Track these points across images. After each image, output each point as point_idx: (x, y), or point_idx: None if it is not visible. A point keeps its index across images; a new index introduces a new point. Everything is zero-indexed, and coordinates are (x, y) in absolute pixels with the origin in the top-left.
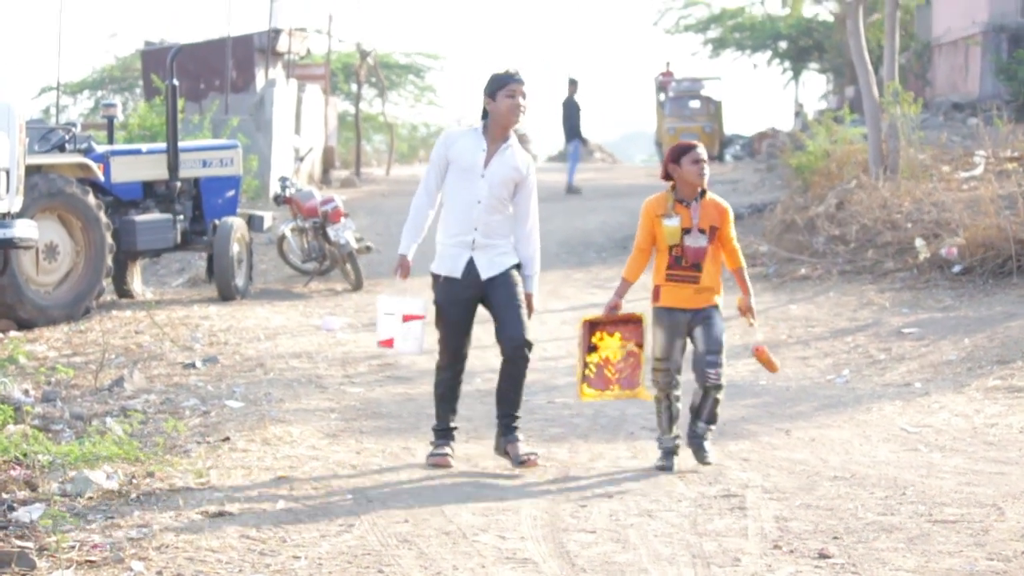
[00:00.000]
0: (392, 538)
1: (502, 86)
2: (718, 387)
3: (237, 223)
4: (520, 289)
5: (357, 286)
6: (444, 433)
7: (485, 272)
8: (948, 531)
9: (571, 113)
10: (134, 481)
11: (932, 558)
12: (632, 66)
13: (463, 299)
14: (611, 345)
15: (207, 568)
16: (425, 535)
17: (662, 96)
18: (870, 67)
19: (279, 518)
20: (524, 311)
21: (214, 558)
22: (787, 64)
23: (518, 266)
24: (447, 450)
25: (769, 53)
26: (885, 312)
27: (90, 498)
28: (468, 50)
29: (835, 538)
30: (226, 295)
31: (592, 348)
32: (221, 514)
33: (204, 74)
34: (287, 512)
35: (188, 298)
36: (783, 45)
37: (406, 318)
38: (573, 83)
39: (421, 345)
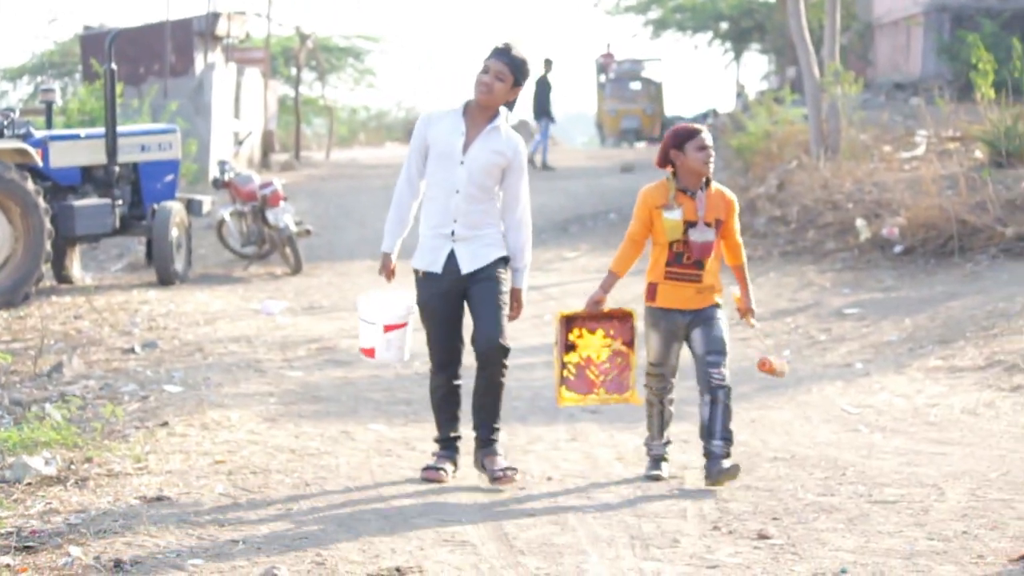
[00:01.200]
0: (331, 522)
1: (486, 59)
2: (724, 388)
3: (176, 207)
4: (502, 285)
5: (296, 270)
6: (446, 444)
7: (466, 266)
8: (888, 511)
9: (542, 92)
10: (72, 467)
11: (872, 538)
12: (573, 48)
13: (446, 295)
14: (592, 343)
15: (145, 553)
16: (364, 518)
17: (603, 78)
18: (811, 47)
19: (217, 503)
20: (503, 310)
21: (152, 543)
22: (728, 45)
23: (506, 258)
24: (445, 465)
25: (710, 34)
26: (826, 293)
27: (28, 484)
28: (408, 32)
29: (775, 519)
30: (165, 280)
31: (570, 347)
32: (159, 499)
33: (143, 58)
34: (226, 497)
35: (127, 283)
36: (724, 26)
37: (387, 328)
38: (548, 63)
39: (404, 353)
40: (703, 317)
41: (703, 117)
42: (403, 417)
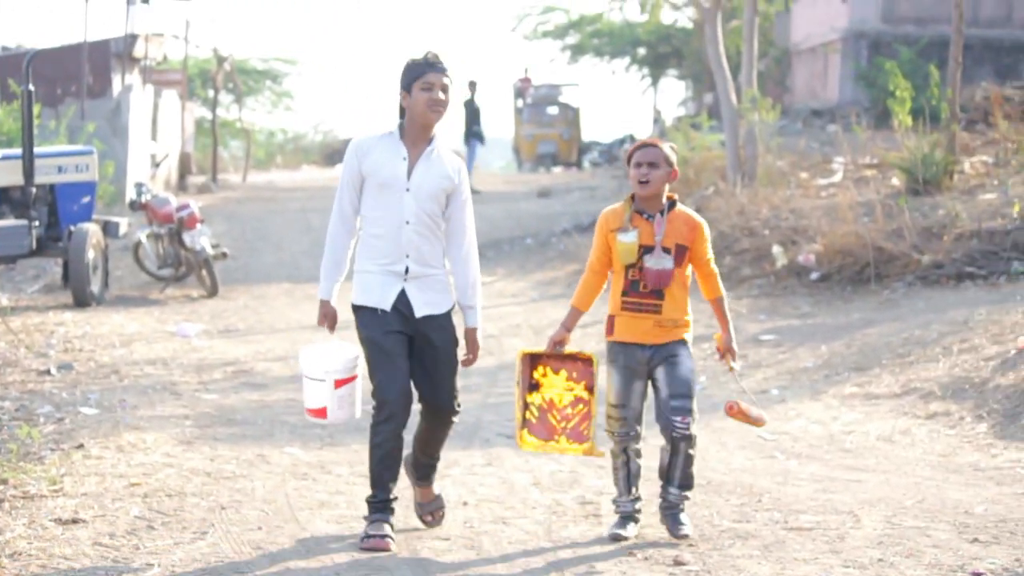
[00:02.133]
0: (246, 545)
1: (417, 76)
2: (687, 438)
3: (93, 229)
4: (455, 341)
5: (212, 292)
6: (382, 507)
7: (421, 309)
8: (804, 538)
9: (470, 114)
10: None
11: (788, 565)
12: (490, 72)
13: (397, 333)
14: (556, 384)
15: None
16: (279, 542)
17: (520, 102)
18: (728, 73)
19: (133, 525)
20: (457, 370)
21: (67, 565)
22: (645, 71)
23: (452, 308)
24: (387, 529)
25: (627, 59)
26: (742, 319)
27: None
28: (325, 54)
29: (690, 545)
30: (81, 301)
31: (533, 386)
32: (75, 521)
33: (61, 79)
34: (141, 519)
35: (43, 304)
36: (642, 51)
37: (339, 384)
38: (472, 84)
39: (356, 410)
40: (665, 354)
41: (620, 143)
42: (319, 441)
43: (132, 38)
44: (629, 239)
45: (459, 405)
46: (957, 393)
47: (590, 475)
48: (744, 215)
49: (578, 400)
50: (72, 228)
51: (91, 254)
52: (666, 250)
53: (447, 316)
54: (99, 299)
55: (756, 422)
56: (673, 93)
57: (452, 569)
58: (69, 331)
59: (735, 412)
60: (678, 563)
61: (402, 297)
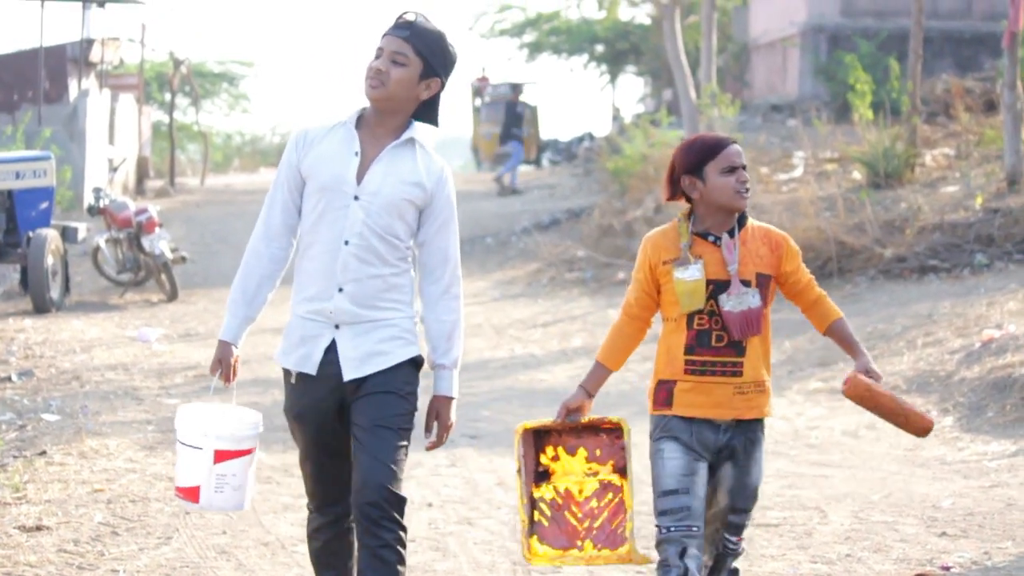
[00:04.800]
0: (210, 550)
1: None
2: (737, 555)
3: (51, 235)
4: (403, 404)
5: (172, 296)
6: None
7: (351, 368)
8: (771, 534)
9: (512, 117)
10: None
11: (755, 561)
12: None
13: (324, 405)
14: (573, 469)
15: None
16: (243, 546)
17: (478, 101)
18: (687, 69)
19: (97, 532)
20: (400, 444)
21: (32, 572)
22: (604, 68)
23: (416, 361)
24: None
25: (586, 57)
26: None
27: None
28: (281, 55)
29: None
30: (41, 307)
31: (542, 474)
32: (39, 528)
33: (16, 85)
34: (105, 525)
35: (2, 311)
36: (600, 48)
37: (220, 456)
38: (517, 87)
39: (244, 498)
40: (742, 441)
41: (578, 141)
42: (281, 444)
43: (88, 43)
44: (693, 275)
45: (402, 496)
46: (922, 387)
47: None
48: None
49: (606, 487)
50: (31, 234)
51: (50, 260)
52: (746, 283)
53: (394, 371)
54: (59, 305)
55: (902, 416)
56: (632, 90)
57: (418, 570)
58: (29, 337)
59: (861, 391)
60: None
61: (331, 352)
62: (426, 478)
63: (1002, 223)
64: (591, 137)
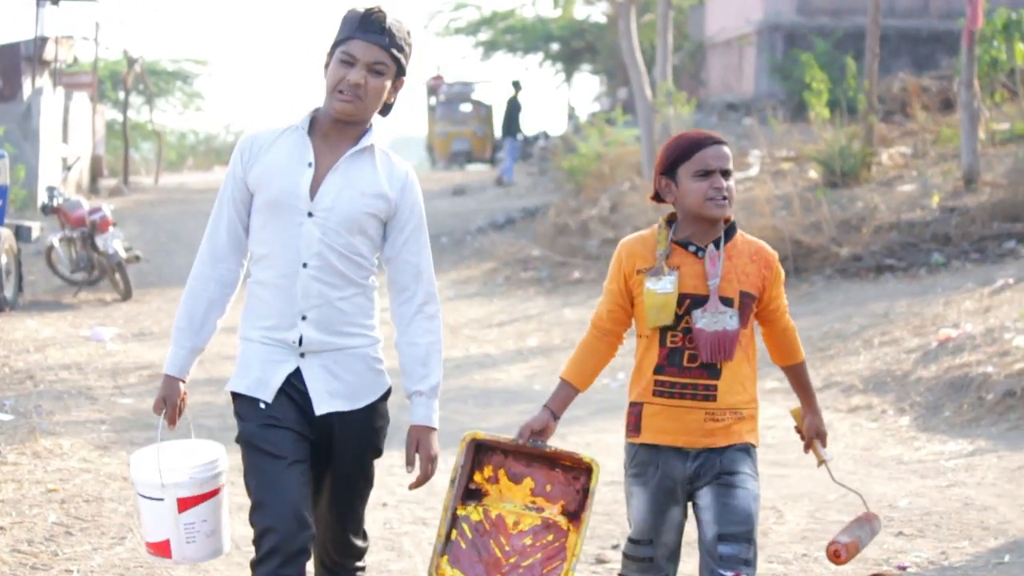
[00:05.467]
0: None
1: (341, 40)
2: None
3: (5, 234)
4: (376, 446)
5: (126, 296)
6: None
7: (323, 402)
8: None
9: (513, 111)
10: None
11: None
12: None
13: (286, 427)
14: (513, 497)
15: None
16: None
17: (433, 100)
18: (643, 68)
19: (51, 532)
20: (366, 496)
21: None
22: (559, 66)
23: (386, 395)
24: None
25: (541, 55)
26: None
27: None
28: (236, 54)
29: (613, 545)
30: None
31: (473, 492)
32: None
33: None
34: (59, 525)
35: None
36: (555, 47)
37: (183, 504)
38: (516, 84)
39: (222, 542)
40: (717, 468)
41: (534, 139)
42: (236, 444)
43: (42, 41)
44: (664, 288)
45: (361, 557)
46: (879, 386)
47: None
48: (660, 211)
49: (548, 527)
50: None
51: (3, 259)
52: (726, 301)
53: (372, 412)
54: (12, 304)
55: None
56: (587, 88)
57: (373, 570)
58: None
59: (844, 558)
60: (600, 561)
61: (295, 380)
62: (381, 478)
63: (959, 222)
64: (546, 136)
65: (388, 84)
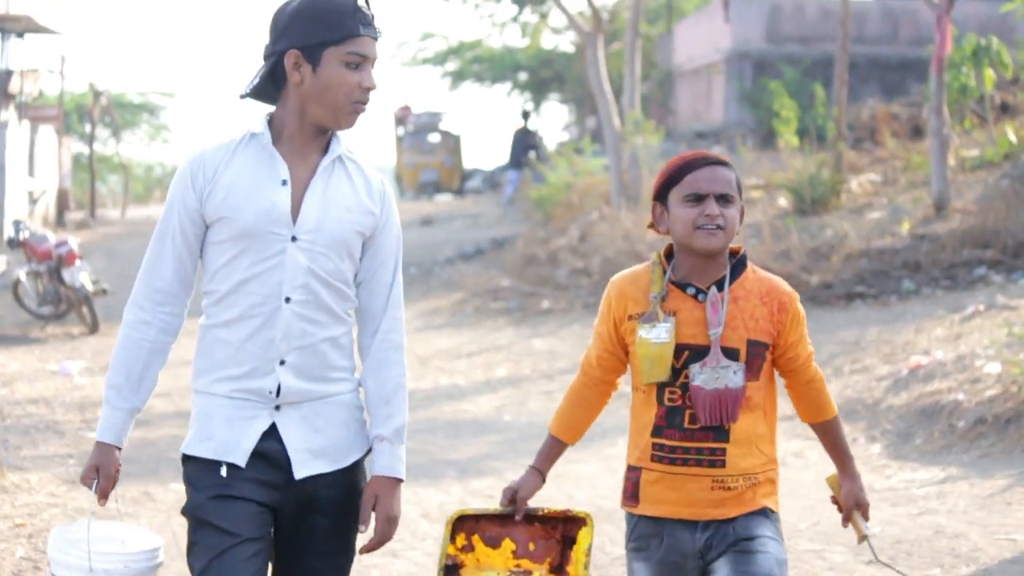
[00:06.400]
0: None
1: (340, 38)
2: None
3: None
4: (355, 521)
5: (94, 329)
6: None
7: (302, 463)
8: None
9: (523, 142)
10: None
11: None
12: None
13: (247, 497)
14: (492, 563)
15: None
16: None
17: (400, 130)
18: (611, 97)
19: (18, 567)
20: (349, 567)
21: None
22: (527, 95)
23: (370, 450)
24: None
25: (509, 84)
26: None
27: None
28: (203, 86)
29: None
30: None
31: (449, 570)
32: None
33: None
34: (27, 560)
35: None
36: (523, 76)
37: None
38: (526, 114)
39: None
40: (732, 537)
41: (502, 170)
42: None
43: (7, 74)
44: (659, 337)
45: None
46: (850, 414)
47: (480, 504)
48: (629, 240)
49: None
50: None
51: None
52: (730, 353)
53: (356, 471)
54: None
55: None
56: (556, 118)
57: None
58: None
59: None
60: None
61: (271, 439)
62: None
63: (929, 249)
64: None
65: None
